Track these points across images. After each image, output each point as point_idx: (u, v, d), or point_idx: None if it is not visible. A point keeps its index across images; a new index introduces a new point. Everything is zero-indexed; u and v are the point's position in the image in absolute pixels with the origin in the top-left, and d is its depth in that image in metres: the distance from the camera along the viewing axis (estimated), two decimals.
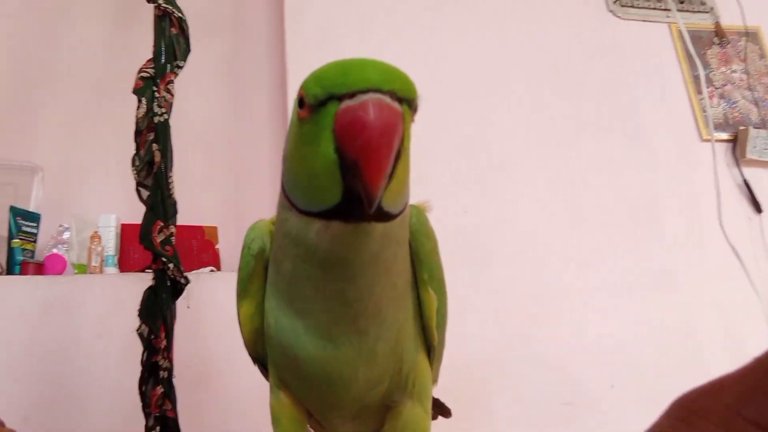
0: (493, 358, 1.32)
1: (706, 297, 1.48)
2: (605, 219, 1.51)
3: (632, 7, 1.81)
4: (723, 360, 1.41)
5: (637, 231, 1.52)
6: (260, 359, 0.56)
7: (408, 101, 0.40)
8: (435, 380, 0.61)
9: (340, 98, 0.38)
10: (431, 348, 0.53)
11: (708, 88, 1.73)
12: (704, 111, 1.67)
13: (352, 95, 0.38)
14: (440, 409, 0.72)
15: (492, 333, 1.34)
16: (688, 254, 1.52)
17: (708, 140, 1.63)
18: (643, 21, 1.80)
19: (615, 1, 1.79)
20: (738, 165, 1.65)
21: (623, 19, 1.78)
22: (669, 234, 1.53)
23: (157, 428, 0.90)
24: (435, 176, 1.46)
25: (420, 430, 0.51)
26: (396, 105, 0.38)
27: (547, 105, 1.60)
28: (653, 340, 1.41)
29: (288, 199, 0.44)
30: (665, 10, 1.82)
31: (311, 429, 0.56)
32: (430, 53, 1.59)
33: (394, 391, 0.50)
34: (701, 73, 1.69)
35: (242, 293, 0.53)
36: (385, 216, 0.41)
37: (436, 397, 0.70)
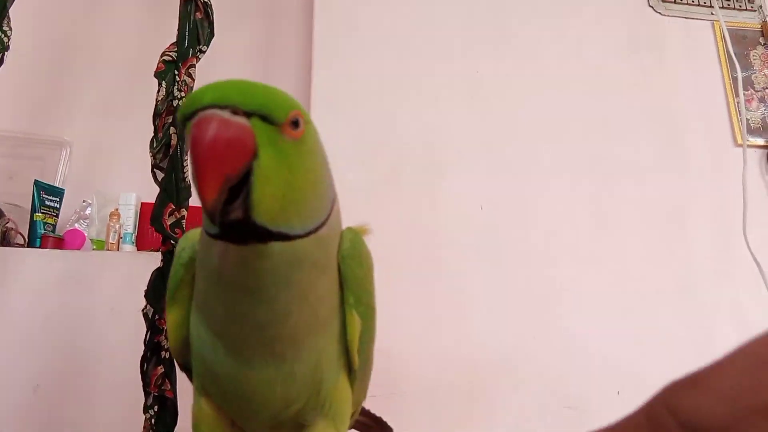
0: (500, 357, 1.30)
1: (725, 307, 1.44)
2: (627, 221, 1.47)
3: (674, 3, 1.74)
4: None
5: (660, 235, 1.47)
6: (187, 366, 0.56)
7: (262, 115, 0.39)
8: (362, 399, 0.60)
9: (189, 119, 0.39)
10: (353, 371, 0.52)
11: (747, 90, 1.66)
12: (740, 114, 1.60)
13: (194, 114, 0.39)
14: (381, 428, 0.72)
15: (501, 332, 1.32)
16: (710, 263, 1.47)
17: (741, 145, 1.56)
18: (685, 18, 1.74)
19: None
20: None
21: (664, 15, 1.72)
22: (692, 241, 1.48)
23: (155, 407, 0.92)
24: (455, 171, 1.44)
25: None
26: (238, 119, 0.38)
27: (577, 101, 1.56)
28: (668, 348, 1.37)
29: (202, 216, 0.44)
30: (709, 7, 1.75)
31: None
32: (459, 43, 1.56)
33: (309, 411, 0.50)
34: (739, 74, 1.62)
35: (170, 301, 0.54)
36: (278, 236, 0.40)
37: (378, 416, 0.70)
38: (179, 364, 0.58)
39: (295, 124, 0.41)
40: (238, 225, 0.39)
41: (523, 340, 1.33)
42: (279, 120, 0.40)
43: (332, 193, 0.46)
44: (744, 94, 1.64)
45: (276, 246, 0.41)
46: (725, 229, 1.49)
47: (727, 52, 1.67)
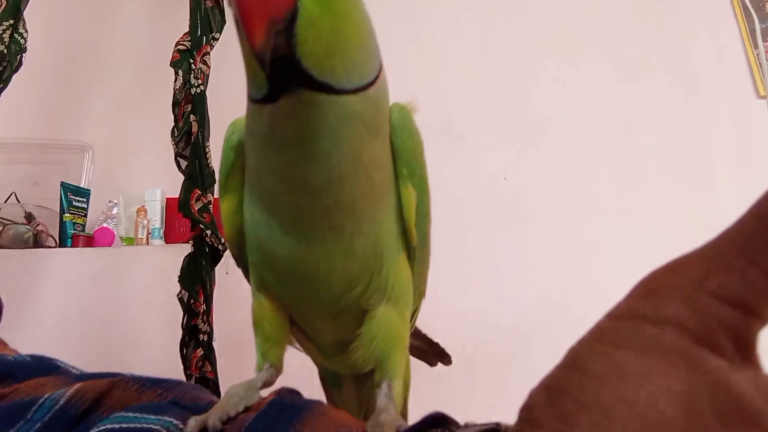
0: (533, 317, 1.30)
1: None
2: (652, 176, 1.46)
3: None
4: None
5: (685, 190, 1.46)
6: (243, 260, 0.54)
7: None
8: (422, 292, 0.58)
9: None
10: (411, 250, 0.51)
11: (765, 42, 1.63)
12: (761, 66, 1.57)
13: None
14: (440, 356, 0.70)
15: (532, 292, 1.32)
16: (738, 213, 1.44)
17: (765, 97, 1.54)
18: None
19: None
20: None
21: None
22: (719, 194, 1.46)
23: (197, 383, 0.93)
24: (476, 133, 1.44)
25: (393, 333, 0.48)
26: None
27: (591, 58, 1.55)
28: None
29: (247, 89, 0.43)
30: None
31: (293, 337, 0.56)
32: (471, 6, 1.56)
33: (372, 293, 0.48)
34: (757, 25, 1.58)
35: (223, 189, 0.52)
36: (325, 87, 0.39)
37: (436, 341, 0.69)
38: (234, 257, 0.55)
39: None
40: (284, 70, 0.38)
41: (556, 300, 1.32)
42: None
43: (378, 54, 0.44)
44: (763, 45, 1.61)
45: (323, 97, 0.40)
46: (753, 180, 1.46)
47: (743, 3, 1.64)
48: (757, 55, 1.60)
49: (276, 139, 0.42)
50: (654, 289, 0.23)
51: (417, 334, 0.67)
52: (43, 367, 0.41)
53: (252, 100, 0.42)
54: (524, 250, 1.36)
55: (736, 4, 1.67)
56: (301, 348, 0.57)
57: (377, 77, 0.43)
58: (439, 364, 0.71)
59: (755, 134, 1.50)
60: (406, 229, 0.49)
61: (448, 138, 1.41)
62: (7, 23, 1.18)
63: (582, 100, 1.50)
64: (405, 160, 0.48)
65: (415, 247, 0.50)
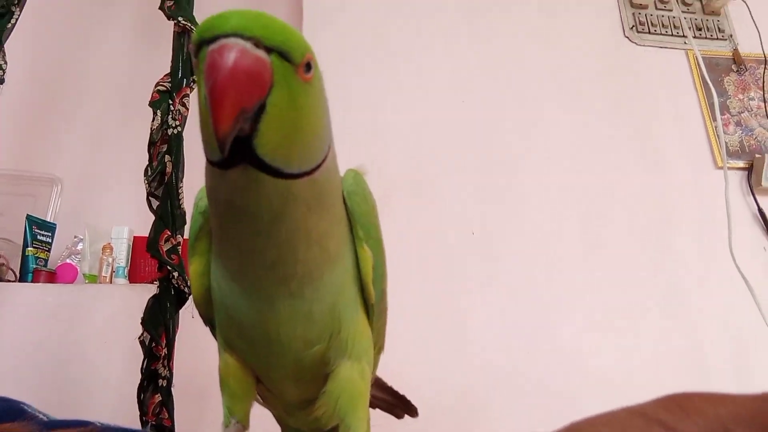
0: (495, 377, 1.30)
1: (714, 325, 1.46)
2: (615, 241, 1.50)
3: (648, 33, 1.81)
4: (730, 387, 1.37)
5: (647, 254, 1.50)
6: (210, 320, 0.56)
7: (281, 52, 0.39)
8: (381, 346, 0.60)
9: (208, 43, 0.38)
10: (370, 307, 0.53)
11: (724, 115, 1.72)
12: (719, 138, 1.65)
13: (215, 39, 0.38)
14: (407, 408, 0.71)
15: (495, 352, 1.33)
16: (698, 280, 1.50)
17: (721, 168, 1.61)
18: (660, 47, 1.80)
19: (631, 27, 1.80)
20: (753, 193, 1.63)
21: (639, 45, 1.79)
22: (679, 259, 1.51)
23: None
24: (445, 193, 1.46)
25: (356, 391, 0.50)
26: (259, 52, 0.38)
27: (560, 127, 1.61)
28: (660, 366, 1.38)
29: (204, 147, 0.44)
30: (682, 36, 1.82)
31: (258, 395, 0.56)
32: (445, 73, 1.61)
33: (332, 352, 0.50)
34: (716, 99, 1.67)
35: (191, 251, 0.53)
36: (273, 171, 0.41)
37: (402, 394, 0.70)
38: (203, 317, 0.57)
39: (308, 66, 0.41)
40: (239, 147, 0.39)
41: (518, 359, 1.33)
42: (296, 60, 0.40)
43: (329, 138, 0.46)
44: (721, 118, 1.69)
45: (267, 178, 0.41)
46: (710, 247, 1.52)
47: (703, 78, 1.73)
48: (715, 127, 1.68)
49: (228, 209, 0.44)
50: (683, 407, 0.24)
51: (383, 387, 0.68)
52: (11, 411, 0.41)
53: (207, 159, 0.44)
54: (489, 306, 1.37)
55: (696, 79, 1.76)
56: (265, 405, 0.57)
57: (325, 158, 0.45)
58: (406, 416, 0.71)
59: (713, 203, 1.56)
60: (364, 287, 0.51)
61: (418, 198, 1.44)
62: None
63: (548, 161, 1.55)
64: (360, 224, 0.51)
65: (373, 304, 0.52)
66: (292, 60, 0.40)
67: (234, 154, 0.40)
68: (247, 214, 0.43)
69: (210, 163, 0.43)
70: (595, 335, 1.39)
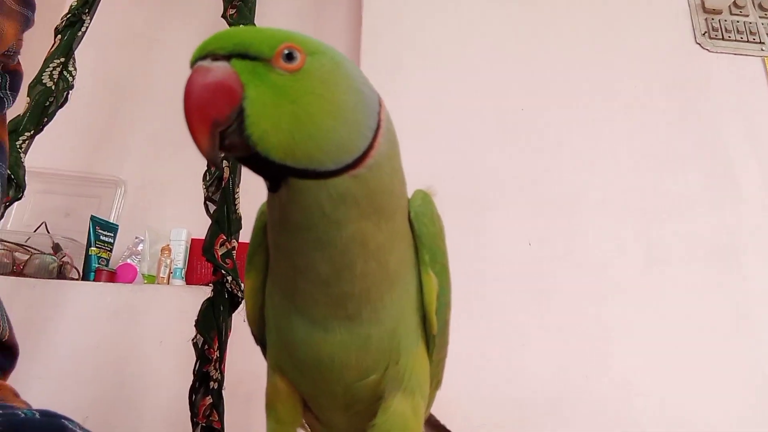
0: (548, 397, 1.26)
1: None
2: (680, 260, 1.42)
3: (722, 39, 1.72)
4: None
5: (714, 276, 1.41)
6: (263, 339, 0.55)
7: (240, 54, 0.39)
8: (438, 381, 0.57)
9: None
10: (430, 338, 0.50)
11: None
12: None
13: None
14: None
15: (548, 370, 1.28)
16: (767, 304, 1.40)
17: None
18: (734, 54, 1.71)
19: (703, 33, 1.72)
20: None
21: (711, 51, 1.70)
22: (748, 281, 1.41)
23: None
24: (503, 205, 1.43)
25: (407, 426, 0.47)
26: (216, 64, 0.39)
27: (624, 138, 1.55)
28: (725, 393, 1.30)
29: None
30: (759, 43, 1.72)
31: (305, 422, 0.54)
32: (505, 80, 1.57)
33: (387, 382, 0.47)
34: None
35: (248, 266, 0.52)
36: (307, 173, 0.40)
37: (442, 423, 0.67)
38: (255, 336, 0.56)
39: (289, 56, 0.40)
40: (263, 164, 0.40)
41: (574, 380, 1.28)
42: (264, 55, 0.40)
43: (363, 127, 0.42)
44: None
45: (309, 183, 0.40)
46: None
47: None
48: None
49: (283, 226, 0.43)
50: None
51: (435, 425, 0.66)
52: (52, 428, 0.41)
53: (267, 187, 0.43)
54: (545, 328, 1.32)
55: None
56: None
57: (370, 148, 0.42)
58: None
59: None
60: (426, 316, 0.48)
61: (472, 210, 1.41)
62: (58, 61, 1.24)
63: (612, 178, 1.49)
64: (426, 247, 0.48)
65: (434, 335, 0.49)
66: (259, 56, 0.40)
67: (271, 173, 0.41)
68: (300, 227, 0.42)
69: (268, 189, 0.43)
70: (654, 361, 1.31)
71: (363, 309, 0.44)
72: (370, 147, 0.42)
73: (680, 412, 1.28)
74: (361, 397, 0.48)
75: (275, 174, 0.41)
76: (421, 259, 0.48)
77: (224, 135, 0.39)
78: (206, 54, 0.39)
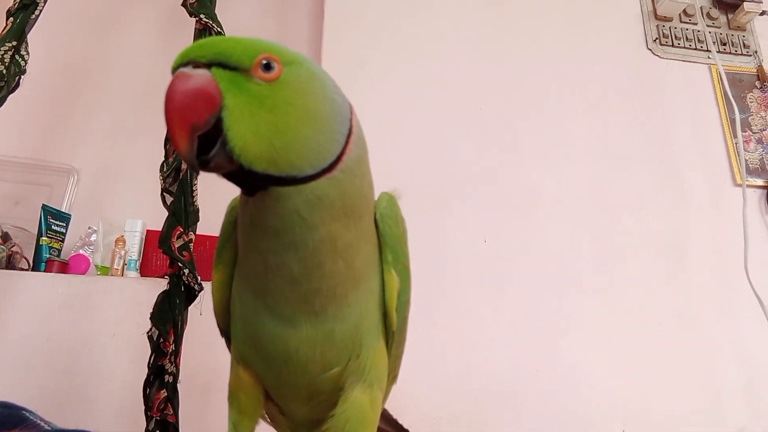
0: (503, 389, 1.29)
1: (727, 345, 1.43)
2: (629, 256, 1.48)
3: (672, 46, 1.79)
4: (741, 411, 1.36)
5: (661, 271, 1.48)
6: (227, 332, 0.56)
7: (220, 63, 0.41)
8: (395, 376, 0.59)
9: None
10: (390, 334, 0.52)
11: (745, 132, 1.69)
12: (739, 155, 1.63)
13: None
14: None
15: (504, 364, 1.32)
16: (712, 299, 1.47)
17: (740, 185, 1.59)
18: (683, 61, 1.78)
19: (654, 40, 1.78)
20: None
21: (662, 58, 1.77)
22: (693, 277, 1.49)
23: (157, 431, 0.91)
24: (459, 202, 1.46)
25: (365, 417, 0.49)
26: (197, 71, 0.41)
27: (578, 138, 1.59)
28: (669, 385, 1.36)
29: None
30: (706, 51, 1.80)
31: (266, 413, 0.56)
32: (464, 79, 1.60)
33: (348, 375, 0.49)
34: (737, 116, 1.65)
35: (216, 259, 0.54)
36: (288, 180, 0.42)
37: (406, 428, 0.69)
38: (220, 329, 0.57)
39: (267, 66, 0.42)
40: (245, 175, 0.41)
41: (526, 374, 1.32)
42: (243, 65, 0.41)
43: (336, 134, 0.45)
44: (742, 135, 1.67)
45: (290, 189, 0.42)
46: (726, 266, 1.50)
47: (725, 94, 1.71)
48: (736, 144, 1.66)
49: (255, 227, 0.45)
50: None
51: (388, 419, 0.67)
52: (12, 418, 0.41)
53: (242, 192, 0.45)
54: (500, 322, 1.36)
55: (718, 94, 1.73)
56: (272, 424, 0.57)
57: (342, 153, 0.45)
58: None
59: (729, 221, 1.54)
60: (387, 313, 0.51)
61: (431, 205, 1.43)
62: (10, 44, 1.20)
63: (566, 176, 1.54)
64: (390, 247, 0.50)
65: (394, 332, 0.52)
66: (238, 66, 0.41)
67: (248, 182, 0.42)
68: (275, 230, 0.44)
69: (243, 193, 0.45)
70: (604, 353, 1.37)
71: (329, 306, 0.46)
72: (343, 152, 0.45)
73: (628, 403, 1.33)
74: (323, 389, 0.50)
75: (256, 183, 0.42)
76: (384, 259, 0.50)
77: (209, 159, 0.40)
78: (187, 61, 0.41)
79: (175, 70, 0.41)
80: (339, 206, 0.44)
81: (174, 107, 0.39)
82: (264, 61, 0.41)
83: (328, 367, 0.48)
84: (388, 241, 0.50)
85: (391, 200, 0.52)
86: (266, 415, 0.56)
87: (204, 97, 0.40)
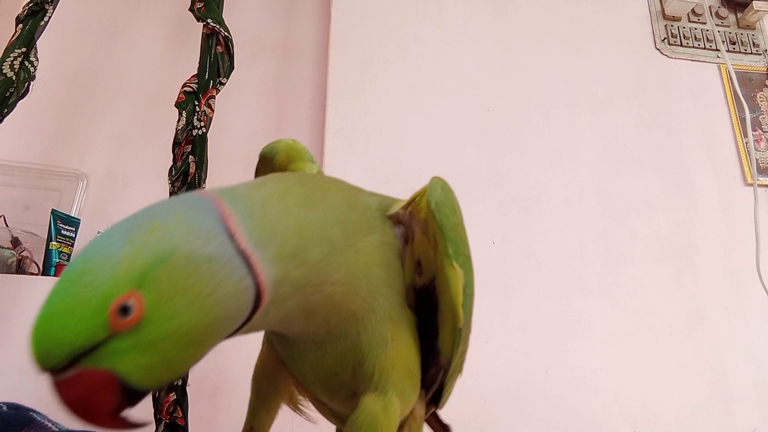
0: (510, 392, 1.29)
1: (738, 346, 1.42)
2: (637, 257, 1.47)
3: (680, 46, 1.78)
4: (752, 412, 1.34)
5: (670, 272, 1.47)
6: None
7: (78, 356, 0.34)
8: (461, 371, 0.57)
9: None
10: (455, 330, 0.49)
11: (756, 131, 1.68)
12: (749, 154, 1.62)
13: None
14: (442, 428, 0.69)
15: (511, 367, 1.31)
16: (723, 301, 1.46)
17: (751, 185, 1.57)
18: (692, 60, 1.77)
19: (663, 39, 1.77)
20: None
21: (670, 57, 1.76)
22: (704, 278, 1.48)
23: None
24: (468, 204, 1.45)
25: (376, 425, 0.47)
26: (70, 374, 0.35)
27: (586, 139, 1.59)
28: (679, 387, 1.35)
29: None
30: (715, 50, 1.78)
31: (296, 398, 0.55)
32: (470, 81, 1.60)
33: (359, 382, 0.47)
34: (747, 115, 1.64)
35: None
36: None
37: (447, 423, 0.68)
38: None
39: (124, 311, 0.34)
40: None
41: (534, 376, 1.31)
42: (100, 337, 0.34)
43: (244, 290, 0.38)
44: (752, 134, 1.66)
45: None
46: (737, 266, 1.49)
47: (735, 93, 1.70)
48: (746, 143, 1.65)
49: None
50: None
51: (434, 417, 0.66)
52: (20, 419, 0.41)
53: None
54: (507, 324, 1.35)
55: (728, 94, 1.72)
56: (305, 411, 0.56)
57: (259, 299, 0.39)
58: None
59: (740, 221, 1.53)
60: (453, 308, 0.48)
61: None
62: (20, 50, 1.21)
63: (573, 178, 1.53)
64: (450, 239, 0.47)
65: (461, 328, 0.49)
66: (97, 343, 0.34)
67: None
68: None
69: None
70: (614, 355, 1.36)
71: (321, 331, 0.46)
72: (259, 298, 0.39)
73: (638, 406, 1.32)
74: (338, 390, 0.49)
75: None
76: (444, 252, 0.47)
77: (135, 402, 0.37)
78: (47, 370, 0.35)
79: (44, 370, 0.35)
80: (303, 314, 0.42)
81: (84, 417, 0.35)
82: (119, 309, 0.34)
83: (332, 373, 0.48)
84: (447, 233, 0.46)
85: (445, 186, 0.49)
86: (294, 403, 0.55)
87: (98, 399, 0.35)
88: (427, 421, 0.67)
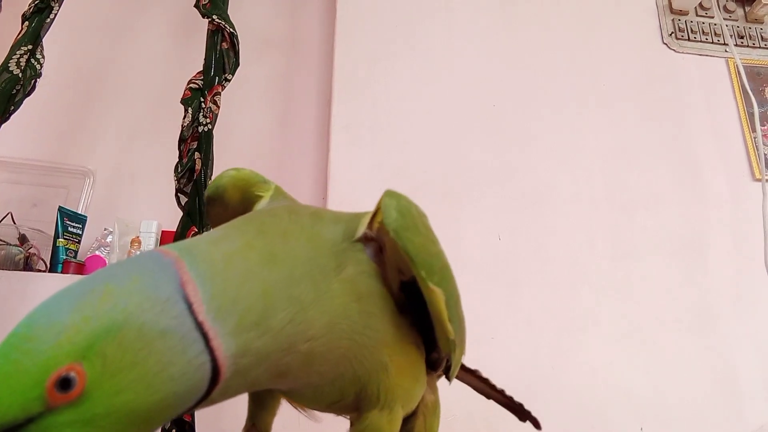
0: (518, 387, 1.28)
1: (747, 341, 1.41)
2: (646, 252, 1.46)
3: (688, 40, 1.77)
4: (762, 408, 1.34)
5: (679, 267, 1.46)
6: None
7: (19, 427, 0.30)
8: (462, 354, 0.56)
9: None
10: (450, 343, 0.48)
11: (764, 125, 1.67)
12: (757, 149, 1.61)
13: None
14: (520, 414, 0.69)
15: (519, 363, 1.31)
16: (731, 295, 1.45)
17: (759, 180, 1.56)
18: (699, 55, 1.76)
19: (670, 34, 1.76)
20: None
21: (678, 52, 1.75)
22: (712, 273, 1.47)
23: (173, 430, 0.91)
24: (473, 199, 1.45)
25: None
26: None
27: (593, 134, 1.58)
28: (688, 382, 1.35)
29: None
30: (723, 44, 1.77)
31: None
32: (477, 76, 1.59)
33: (362, 403, 0.46)
34: (756, 109, 1.62)
35: None
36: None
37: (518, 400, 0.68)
38: None
39: (64, 385, 0.31)
40: None
41: (542, 371, 1.31)
42: (33, 410, 0.30)
43: (200, 365, 0.35)
44: (761, 129, 1.65)
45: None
46: (745, 261, 1.48)
47: (743, 87, 1.68)
48: (754, 138, 1.64)
49: None
50: None
51: (500, 392, 0.68)
52: None
53: None
54: (515, 320, 1.35)
55: (736, 88, 1.71)
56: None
57: (217, 375, 0.36)
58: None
59: (749, 216, 1.52)
60: (438, 326, 0.47)
61: (445, 203, 1.43)
62: (26, 48, 1.21)
63: (581, 173, 1.53)
64: (419, 263, 0.44)
65: (453, 339, 0.48)
66: (32, 417, 0.31)
67: None
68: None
69: None
70: (622, 351, 1.36)
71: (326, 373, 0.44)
72: (217, 374, 0.36)
73: (647, 402, 1.32)
74: (341, 410, 0.48)
75: None
76: (418, 277, 0.45)
77: None
78: None
79: None
80: (275, 378, 0.40)
81: None
82: (58, 382, 0.31)
83: (334, 400, 0.46)
84: (415, 258, 0.44)
85: (400, 206, 0.44)
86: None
87: None
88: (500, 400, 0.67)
